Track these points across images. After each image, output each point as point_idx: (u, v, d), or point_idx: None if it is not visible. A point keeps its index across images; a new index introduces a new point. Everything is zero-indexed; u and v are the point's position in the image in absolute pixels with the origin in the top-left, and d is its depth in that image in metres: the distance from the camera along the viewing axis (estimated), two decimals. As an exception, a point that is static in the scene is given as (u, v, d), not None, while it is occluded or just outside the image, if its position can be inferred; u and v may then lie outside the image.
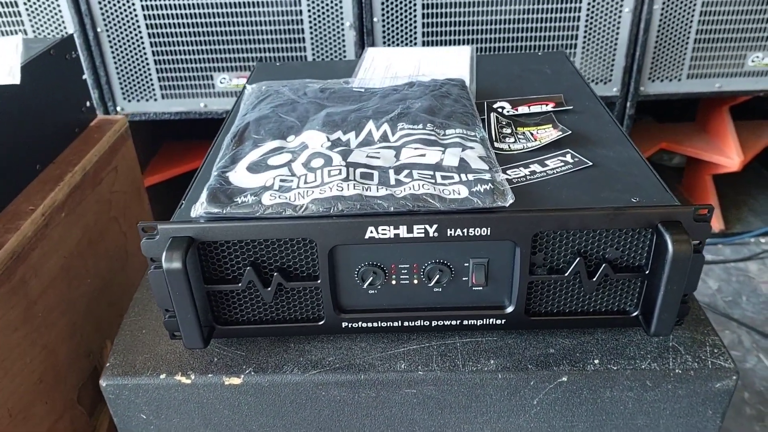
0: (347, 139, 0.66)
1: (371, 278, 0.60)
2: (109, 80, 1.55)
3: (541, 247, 0.58)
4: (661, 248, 0.56)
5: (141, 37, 1.50)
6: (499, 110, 0.75)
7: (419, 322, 0.63)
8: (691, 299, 0.64)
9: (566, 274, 0.59)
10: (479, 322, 0.63)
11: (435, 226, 0.56)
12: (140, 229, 0.57)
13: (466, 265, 0.60)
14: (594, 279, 0.59)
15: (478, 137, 0.67)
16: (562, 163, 0.63)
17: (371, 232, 0.57)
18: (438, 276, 0.60)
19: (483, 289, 0.61)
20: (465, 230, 0.56)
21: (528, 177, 0.61)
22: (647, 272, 0.59)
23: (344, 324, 0.63)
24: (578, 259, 0.58)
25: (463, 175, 0.59)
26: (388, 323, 0.63)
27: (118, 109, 1.58)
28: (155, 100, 1.58)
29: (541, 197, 0.59)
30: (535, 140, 0.68)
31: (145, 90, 1.56)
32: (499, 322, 0.62)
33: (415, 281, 0.61)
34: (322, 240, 0.57)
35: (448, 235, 0.57)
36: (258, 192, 0.58)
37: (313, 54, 1.51)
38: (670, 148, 1.78)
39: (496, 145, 0.67)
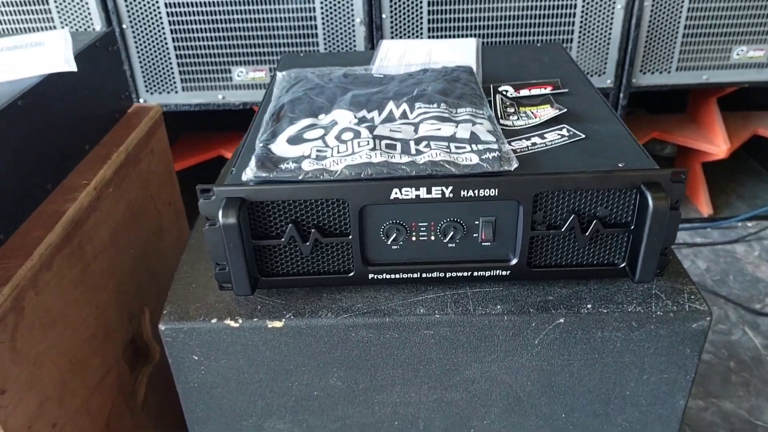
0: (372, 117, 0.76)
1: (395, 235, 0.70)
2: (133, 74, 1.64)
3: (540, 206, 0.68)
4: (644, 205, 0.66)
5: (164, 33, 1.59)
6: (504, 92, 0.85)
7: (435, 273, 0.73)
8: (671, 253, 0.73)
9: (562, 230, 0.69)
10: (487, 274, 0.73)
11: (450, 188, 0.66)
12: (198, 191, 0.66)
13: (476, 222, 0.70)
14: (586, 234, 0.69)
15: (486, 115, 0.76)
16: (559, 136, 0.73)
17: (396, 193, 0.66)
18: (452, 233, 0.70)
19: (491, 245, 0.71)
20: (476, 191, 0.66)
21: (529, 147, 0.71)
22: (632, 227, 0.69)
23: (371, 276, 0.72)
24: (573, 216, 0.68)
25: (473, 146, 0.69)
26: (409, 275, 0.73)
27: (141, 101, 1.67)
28: (176, 92, 1.67)
29: (540, 163, 0.68)
30: (536, 117, 0.77)
31: (166, 83, 1.66)
32: (504, 273, 0.72)
33: (432, 237, 0.71)
34: (354, 200, 0.67)
35: (462, 195, 0.66)
36: (298, 159, 0.68)
37: (326, 48, 1.61)
38: (662, 137, 1.88)
39: (501, 121, 0.77)
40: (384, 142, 0.70)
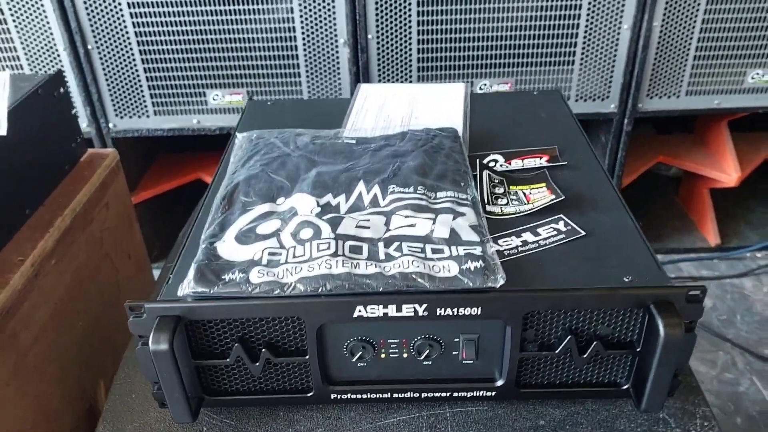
0: (337, 203, 0.66)
1: (360, 353, 0.60)
2: (101, 97, 1.53)
3: (532, 323, 0.58)
4: (653, 329, 0.55)
5: (132, 54, 1.48)
6: (492, 165, 0.74)
7: (409, 393, 0.62)
8: (683, 372, 0.63)
9: (557, 351, 0.58)
10: (469, 394, 0.62)
11: (424, 306, 0.56)
12: (127, 308, 0.56)
13: (456, 340, 0.59)
14: (585, 355, 0.58)
15: (470, 199, 0.66)
16: (555, 232, 0.62)
17: (360, 311, 0.56)
18: (428, 351, 0.59)
19: (473, 362, 0.61)
20: (455, 309, 0.56)
21: (519, 248, 0.60)
22: (638, 349, 0.58)
23: (333, 395, 0.62)
24: (569, 337, 0.57)
25: (453, 248, 0.58)
26: (378, 395, 0.62)
27: (111, 125, 1.56)
28: (147, 116, 1.56)
29: (532, 274, 0.58)
30: (528, 202, 0.67)
31: (137, 106, 1.55)
32: (489, 394, 0.62)
33: (405, 355, 0.60)
34: (311, 318, 0.57)
35: (438, 314, 0.56)
36: (246, 268, 0.57)
37: (307, 70, 1.50)
38: (668, 162, 1.77)
39: (488, 208, 0.66)
40: (348, 243, 0.59)
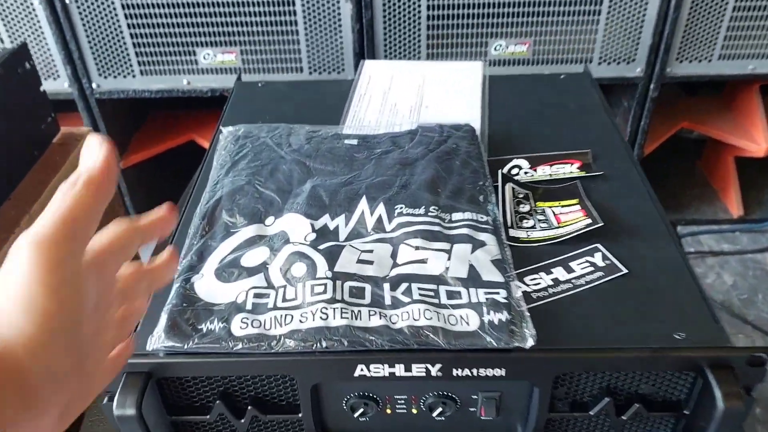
0: (335, 227, 0.56)
1: (362, 410, 0.51)
2: (82, 55, 1.41)
3: (563, 383, 0.49)
4: (708, 395, 0.47)
5: (114, 8, 1.35)
6: (515, 174, 0.64)
7: (418, 449, 0.55)
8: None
9: (591, 413, 0.50)
10: (487, 451, 0.55)
11: (438, 366, 0.47)
12: (87, 364, 0.47)
13: (474, 397, 0.51)
14: (624, 417, 0.50)
15: (491, 222, 0.56)
16: (592, 268, 0.53)
17: (362, 370, 0.47)
18: (441, 409, 0.51)
19: (494, 419, 0.53)
20: (474, 371, 0.47)
21: (550, 290, 0.51)
22: (686, 412, 0.50)
23: (332, 450, 0.55)
24: (606, 399, 0.49)
25: (472, 292, 0.49)
26: (383, 450, 0.55)
27: (94, 86, 1.45)
28: (133, 76, 1.44)
29: (566, 326, 0.49)
30: (558, 225, 0.57)
31: (121, 66, 1.43)
32: (510, 451, 0.54)
33: (414, 411, 0.52)
34: (303, 378, 0.48)
35: (454, 375, 0.47)
36: (227, 315, 0.48)
37: (306, 27, 1.37)
38: (693, 127, 1.65)
39: (511, 232, 0.57)
40: (348, 285, 0.50)
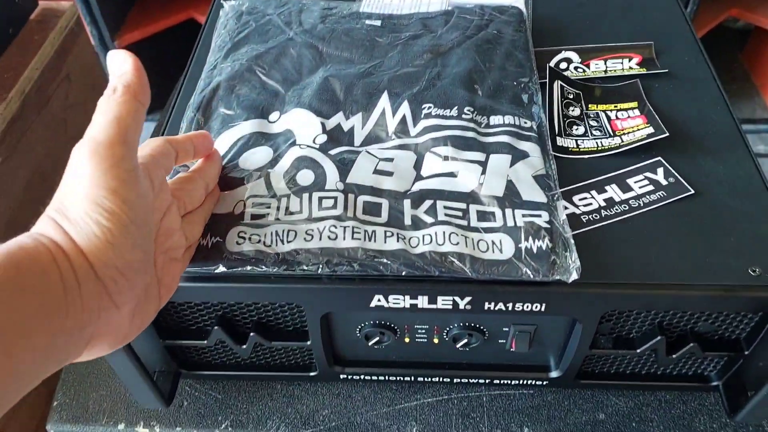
0: (350, 128, 0.48)
1: (377, 338, 0.46)
2: None
3: (611, 317, 0.43)
4: (778, 340, 0.40)
5: None
6: (564, 69, 0.54)
7: (437, 378, 0.50)
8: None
9: (638, 351, 0.44)
10: (514, 382, 0.49)
11: (467, 299, 0.40)
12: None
13: (505, 329, 0.45)
14: (675, 356, 0.44)
15: (535, 128, 0.48)
16: (652, 187, 0.45)
17: (379, 300, 0.41)
18: (466, 340, 0.45)
19: (524, 352, 0.47)
20: (510, 305, 0.41)
21: (602, 212, 0.44)
22: (746, 352, 0.44)
23: (343, 375, 0.49)
24: (659, 337, 0.43)
25: (508, 213, 0.42)
26: (398, 377, 0.50)
27: (82, -47, 1.30)
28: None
29: (619, 257, 0.41)
30: (614, 133, 0.49)
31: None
32: (539, 383, 0.49)
33: (435, 341, 0.46)
34: (312, 307, 0.42)
35: (486, 308, 0.41)
36: (222, 227, 0.41)
37: None
38: (741, 16, 1.50)
39: (558, 141, 0.48)
40: (362, 199, 0.42)
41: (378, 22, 0.57)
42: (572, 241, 0.41)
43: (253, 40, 0.55)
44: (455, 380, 0.50)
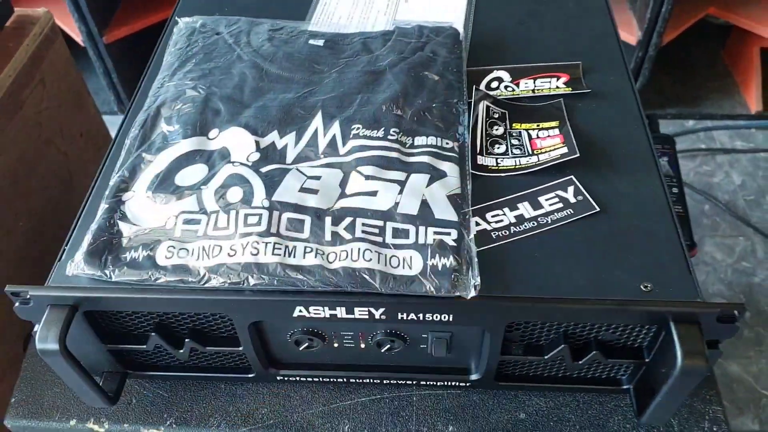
0: (284, 146, 0.51)
1: (307, 344, 0.49)
2: None
3: (517, 327, 0.46)
4: (669, 349, 0.43)
5: None
6: (495, 87, 0.57)
7: (368, 380, 0.53)
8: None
9: (546, 357, 0.47)
10: (439, 383, 0.53)
11: (381, 310, 0.44)
12: (9, 294, 0.45)
13: (424, 335, 0.48)
14: (580, 362, 0.47)
15: (456, 148, 0.51)
16: (561, 204, 0.48)
17: (300, 311, 0.44)
18: (389, 345, 0.49)
19: (445, 356, 0.50)
20: (420, 315, 0.44)
21: (511, 229, 0.47)
22: (647, 360, 0.47)
23: (279, 377, 0.53)
24: (563, 345, 0.46)
25: (421, 231, 0.45)
26: (331, 379, 0.53)
27: (67, -47, 1.33)
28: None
29: (522, 272, 0.44)
30: (533, 152, 0.51)
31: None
32: (462, 384, 0.53)
33: (362, 346, 0.50)
34: (239, 316, 0.46)
35: (399, 318, 0.44)
36: (153, 243, 0.45)
37: None
38: (718, 14, 1.51)
39: (479, 160, 0.51)
40: (286, 216, 0.46)
41: (322, 42, 0.60)
42: (476, 260, 0.44)
43: (200, 58, 0.58)
44: (385, 381, 0.53)
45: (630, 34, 1.44)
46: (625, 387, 0.51)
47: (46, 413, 0.55)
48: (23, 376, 0.57)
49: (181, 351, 0.49)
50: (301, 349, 0.49)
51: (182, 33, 0.62)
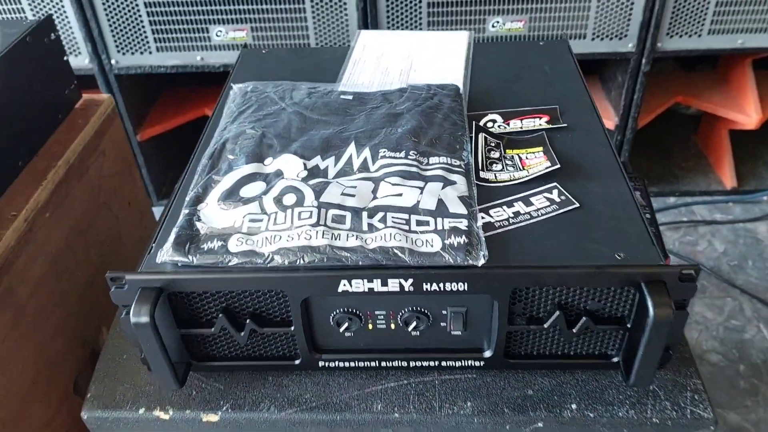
0: (326, 167, 0.64)
1: (347, 324, 0.59)
2: (102, 32, 1.49)
3: (520, 298, 0.57)
4: (643, 308, 0.54)
5: (131, -12, 1.43)
6: (490, 126, 0.71)
7: (397, 362, 0.62)
8: (675, 347, 0.62)
9: (545, 325, 0.57)
10: (457, 364, 0.62)
11: (410, 281, 0.54)
12: (108, 279, 0.56)
13: (444, 312, 0.59)
14: (574, 330, 0.57)
15: (463, 166, 0.63)
16: (548, 202, 0.60)
17: (344, 285, 0.55)
18: (415, 323, 0.59)
19: (462, 333, 0.60)
20: (441, 285, 0.55)
21: (510, 220, 0.58)
22: (629, 325, 0.57)
23: (321, 363, 0.62)
24: (557, 312, 0.56)
25: (439, 221, 0.57)
26: (366, 363, 0.62)
27: (113, 62, 1.53)
28: (150, 52, 1.52)
29: (520, 248, 0.56)
30: (524, 168, 0.64)
31: (139, 42, 1.51)
32: (477, 364, 0.62)
33: (392, 326, 0.60)
34: (294, 292, 0.56)
35: (424, 289, 0.55)
36: (226, 236, 0.56)
37: (313, 6, 1.44)
38: (687, 102, 1.70)
39: (481, 174, 0.64)
40: (331, 212, 0.57)
41: (350, 97, 0.74)
42: (483, 238, 0.55)
43: (254, 109, 0.72)
44: (411, 364, 0.62)
45: (608, 119, 1.62)
46: (615, 360, 0.61)
47: (117, 405, 0.63)
48: (97, 374, 0.66)
49: (242, 334, 0.59)
50: (341, 330, 0.59)
51: (237, 94, 0.77)
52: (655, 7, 1.41)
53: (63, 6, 1.45)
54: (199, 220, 0.59)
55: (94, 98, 1.03)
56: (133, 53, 1.52)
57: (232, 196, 0.61)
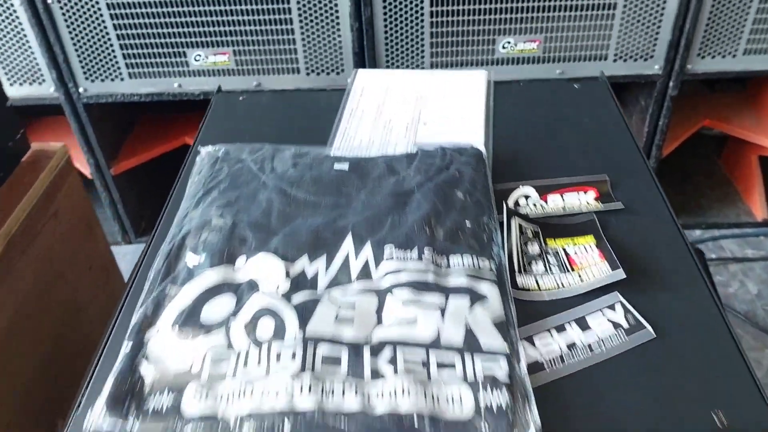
0: (314, 273, 0.49)
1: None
2: (67, 58, 1.34)
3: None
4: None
5: (99, 8, 1.27)
6: (523, 204, 0.56)
7: None
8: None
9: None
10: None
11: (431, 453, 0.40)
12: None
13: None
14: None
15: (494, 269, 0.48)
16: (612, 328, 0.45)
17: (340, 458, 0.40)
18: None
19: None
20: (472, 457, 0.40)
21: (564, 358, 0.44)
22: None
23: None
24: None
25: (468, 362, 0.42)
26: None
27: (81, 90, 1.38)
28: (121, 79, 1.37)
29: (582, 406, 0.41)
30: (573, 268, 0.49)
31: (109, 68, 1.36)
32: None
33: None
34: (273, 464, 0.41)
35: (449, 462, 0.40)
36: (180, 386, 0.41)
37: (301, 24, 1.29)
38: (714, 126, 1.56)
39: (519, 280, 0.49)
40: (321, 350, 0.43)
41: (346, 166, 0.59)
42: (532, 395, 0.40)
43: (225, 186, 0.57)
44: None
45: (630, 147, 1.47)
46: None
47: None
48: None
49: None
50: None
51: (205, 162, 0.62)
52: (685, 26, 1.26)
53: (23, 29, 1.30)
54: (145, 357, 0.44)
55: (46, 148, 0.87)
56: (103, 80, 1.37)
57: (190, 319, 0.46)
